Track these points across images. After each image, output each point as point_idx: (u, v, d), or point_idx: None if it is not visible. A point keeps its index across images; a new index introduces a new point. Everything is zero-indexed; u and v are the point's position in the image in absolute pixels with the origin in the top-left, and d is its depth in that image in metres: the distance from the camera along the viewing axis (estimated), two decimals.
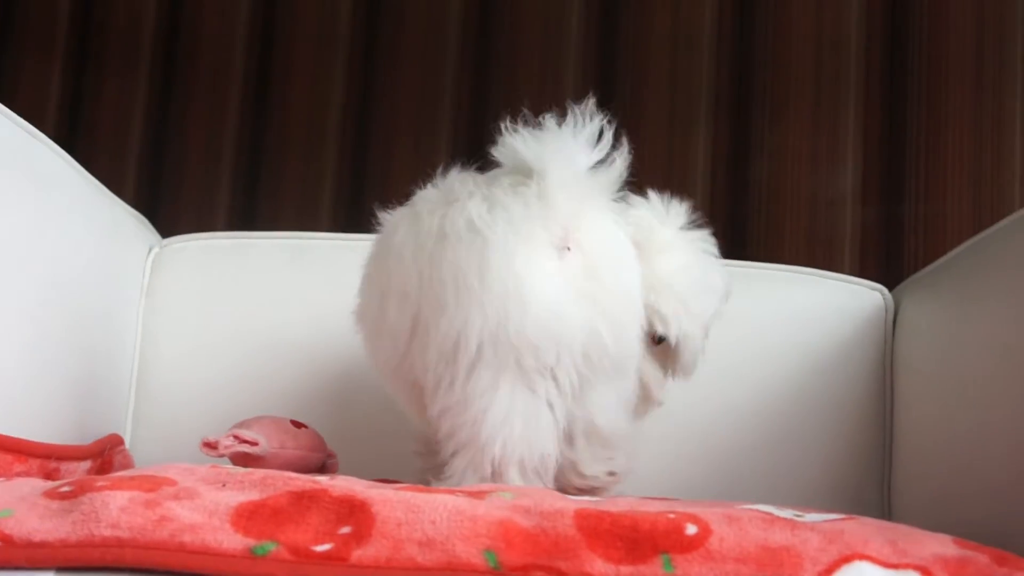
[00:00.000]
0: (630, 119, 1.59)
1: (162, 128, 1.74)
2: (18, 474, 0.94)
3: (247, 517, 0.67)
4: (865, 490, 1.27)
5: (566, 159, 0.88)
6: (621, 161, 0.90)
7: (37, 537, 0.65)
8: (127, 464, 1.16)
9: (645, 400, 1.00)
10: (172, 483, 0.72)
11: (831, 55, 1.63)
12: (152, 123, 1.74)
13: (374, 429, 1.25)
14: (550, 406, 0.88)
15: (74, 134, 1.74)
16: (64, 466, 1.03)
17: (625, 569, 0.64)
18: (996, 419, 0.95)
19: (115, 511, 0.66)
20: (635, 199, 1.00)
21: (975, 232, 1.12)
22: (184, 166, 1.72)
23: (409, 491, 0.71)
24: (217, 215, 1.70)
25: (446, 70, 1.69)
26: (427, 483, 0.92)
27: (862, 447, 1.28)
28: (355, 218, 1.66)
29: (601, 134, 0.89)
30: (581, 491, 0.94)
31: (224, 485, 0.72)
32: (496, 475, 0.87)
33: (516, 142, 0.89)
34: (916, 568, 0.64)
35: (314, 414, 1.16)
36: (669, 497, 0.95)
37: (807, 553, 0.65)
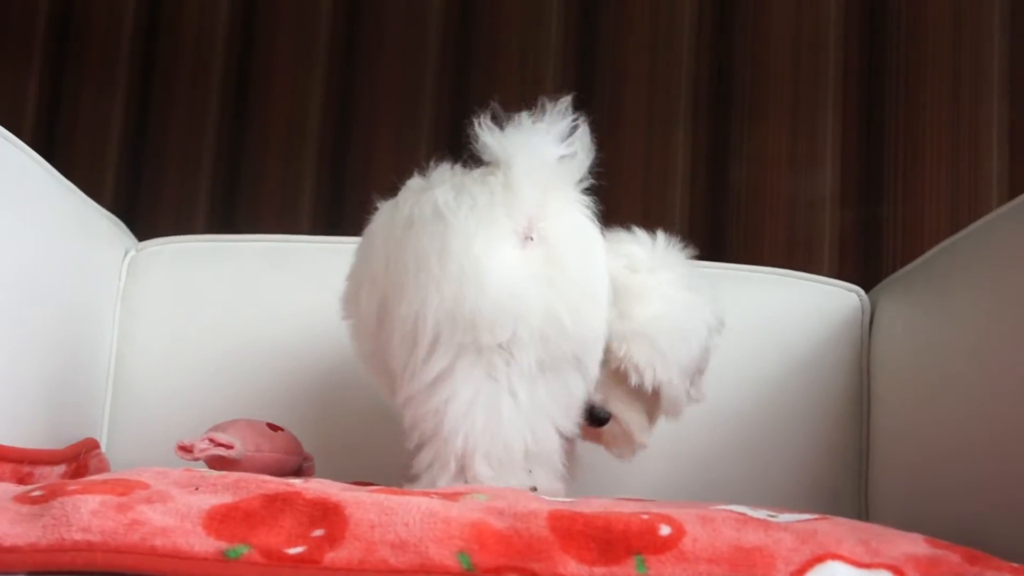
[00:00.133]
0: (610, 121, 1.60)
1: (141, 130, 1.73)
2: None
3: (219, 520, 0.67)
4: (842, 490, 1.28)
5: (532, 150, 0.89)
6: (584, 153, 0.90)
7: (7, 541, 0.64)
8: (103, 468, 1.16)
9: (628, 443, 1.01)
10: (145, 486, 0.72)
11: (809, 57, 1.63)
12: (131, 125, 1.73)
13: (352, 432, 1.25)
14: (512, 394, 0.88)
15: (52, 136, 1.73)
16: (38, 470, 1.02)
17: (598, 570, 0.64)
18: (971, 419, 0.96)
19: (86, 515, 0.66)
20: (625, 235, 1.01)
21: (953, 233, 1.12)
22: (163, 169, 1.71)
23: (383, 493, 0.71)
24: (197, 218, 1.70)
25: (426, 69, 1.69)
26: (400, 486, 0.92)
27: (839, 447, 1.29)
28: (335, 218, 1.66)
29: (574, 129, 0.90)
30: None
31: (197, 488, 0.72)
32: (463, 468, 0.88)
33: (485, 135, 0.90)
34: (888, 568, 0.65)
35: (291, 417, 1.16)
36: (644, 498, 0.95)
37: (780, 553, 0.65)
